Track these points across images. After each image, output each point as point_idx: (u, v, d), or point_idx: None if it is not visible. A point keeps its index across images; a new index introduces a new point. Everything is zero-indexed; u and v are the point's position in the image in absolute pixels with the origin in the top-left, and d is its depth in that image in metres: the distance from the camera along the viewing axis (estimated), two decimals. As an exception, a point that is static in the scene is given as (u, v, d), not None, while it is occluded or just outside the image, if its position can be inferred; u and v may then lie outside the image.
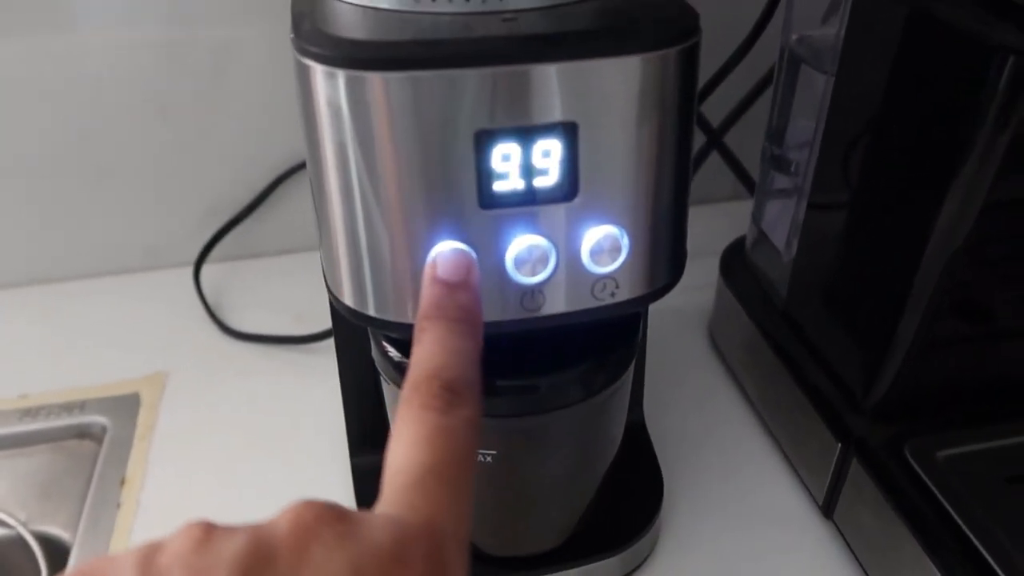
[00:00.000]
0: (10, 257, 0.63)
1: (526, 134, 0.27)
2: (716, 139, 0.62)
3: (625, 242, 0.29)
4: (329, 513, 0.20)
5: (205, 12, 0.57)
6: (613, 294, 0.30)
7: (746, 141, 0.66)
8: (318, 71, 0.26)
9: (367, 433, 0.43)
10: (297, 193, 0.65)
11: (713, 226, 0.62)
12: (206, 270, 0.64)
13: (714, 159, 0.63)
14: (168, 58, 0.58)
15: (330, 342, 0.42)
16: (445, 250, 0.28)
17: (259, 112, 0.61)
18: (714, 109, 0.60)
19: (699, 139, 0.62)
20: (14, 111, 0.58)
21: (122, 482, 0.47)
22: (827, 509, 0.44)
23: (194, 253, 0.64)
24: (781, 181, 0.50)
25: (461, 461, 0.23)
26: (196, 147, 0.62)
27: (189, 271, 0.63)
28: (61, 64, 0.56)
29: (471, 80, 0.26)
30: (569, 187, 0.28)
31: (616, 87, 0.27)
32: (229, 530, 0.20)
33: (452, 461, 0.23)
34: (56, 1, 0.54)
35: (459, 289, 0.27)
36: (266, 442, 0.50)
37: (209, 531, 0.20)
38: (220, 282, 0.64)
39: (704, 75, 0.58)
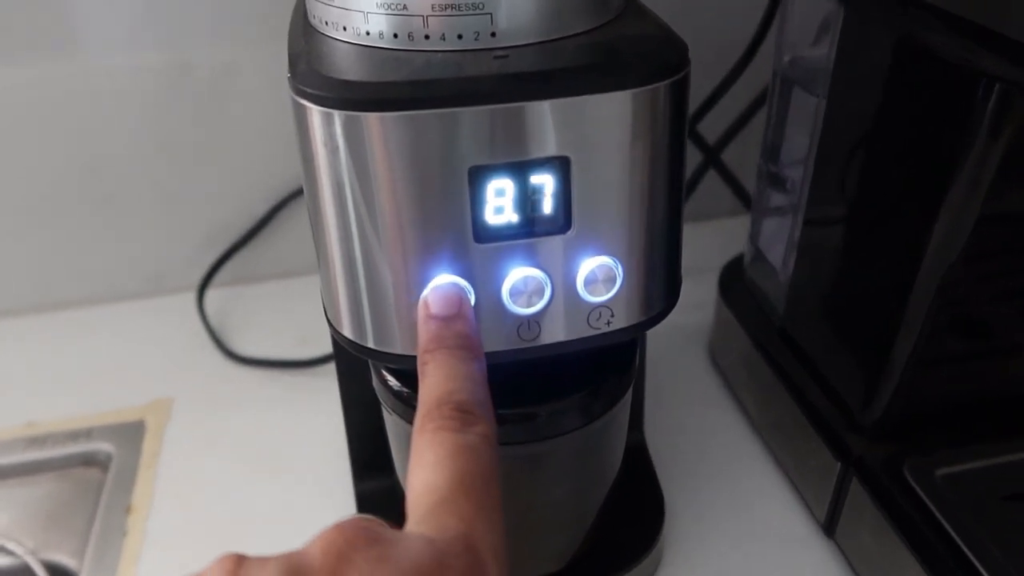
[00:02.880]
0: (14, 285, 0.64)
1: (519, 169, 0.27)
2: (713, 157, 0.63)
3: (619, 272, 0.30)
4: (362, 537, 0.20)
5: (205, 37, 0.57)
6: (609, 323, 0.31)
7: (746, 158, 0.66)
8: (314, 112, 0.27)
9: (370, 459, 0.43)
10: (299, 216, 0.65)
11: (713, 243, 0.62)
12: (210, 295, 0.64)
13: (714, 175, 0.64)
14: (169, 84, 0.58)
15: (334, 365, 0.43)
16: (435, 287, 0.28)
17: (260, 136, 0.61)
18: (712, 126, 0.61)
19: (697, 157, 0.63)
20: (17, 139, 0.58)
21: (128, 510, 0.48)
22: (829, 528, 0.44)
23: (198, 278, 0.65)
24: (777, 199, 0.50)
25: (485, 475, 0.23)
26: (198, 172, 0.62)
27: (193, 297, 0.64)
28: (63, 92, 0.57)
29: (465, 118, 0.26)
30: (563, 220, 0.28)
31: (607, 121, 0.27)
32: (261, 560, 0.20)
33: (476, 476, 0.23)
34: (58, 28, 0.55)
35: (454, 320, 0.28)
36: (271, 467, 0.50)
37: (240, 562, 0.20)
38: (224, 307, 0.64)
39: (701, 94, 0.59)
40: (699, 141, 0.62)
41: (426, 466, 0.23)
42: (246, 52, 0.58)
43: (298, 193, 0.64)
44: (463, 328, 0.27)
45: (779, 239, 0.49)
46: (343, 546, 0.20)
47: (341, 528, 0.21)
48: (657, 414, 0.52)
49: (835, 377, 0.44)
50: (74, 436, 0.53)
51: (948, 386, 0.41)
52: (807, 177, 0.44)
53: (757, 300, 0.52)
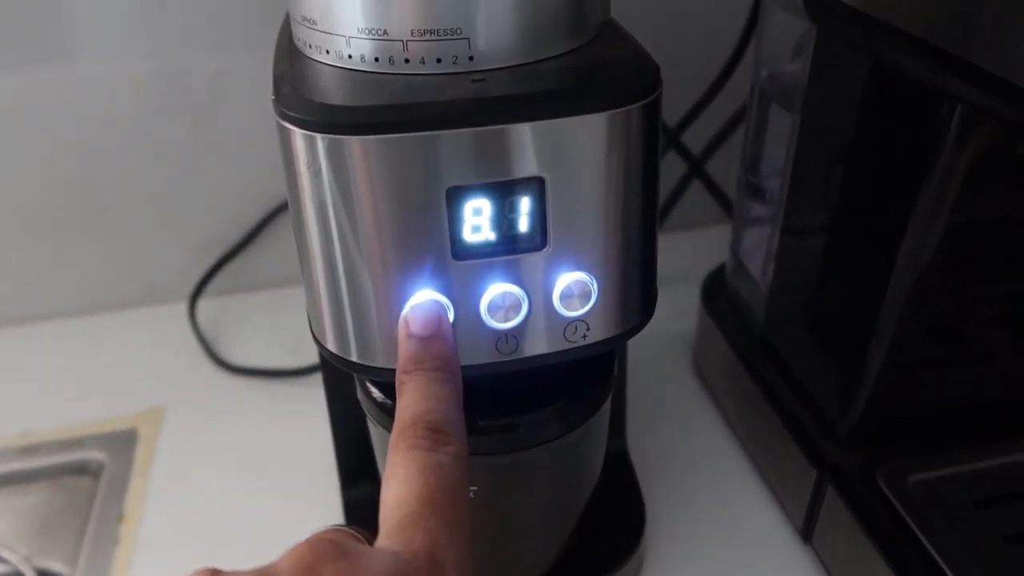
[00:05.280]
0: (6, 294, 0.64)
1: (496, 189, 0.28)
2: (697, 167, 0.64)
3: (595, 287, 0.31)
4: (330, 551, 0.21)
5: (196, 45, 0.58)
6: (585, 336, 0.32)
7: (730, 168, 0.67)
8: (297, 135, 0.28)
9: (358, 467, 0.44)
10: (290, 227, 0.65)
11: (697, 251, 0.63)
12: (201, 305, 0.65)
13: (699, 184, 0.65)
14: (162, 94, 0.59)
15: (322, 376, 0.44)
16: (416, 305, 0.29)
17: (253, 147, 0.62)
18: (697, 137, 0.62)
19: (681, 167, 0.64)
20: (9, 148, 0.59)
21: (120, 518, 0.48)
22: (806, 534, 0.45)
23: (189, 288, 0.65)
24: (757, 209, 0.51)
25: (453, 492, 0.24)
26: (190, 182, 0.63)
27: (184, 306, 0.65)
28: (57, 101, 0.57)
29: (443, 141, 0.27)
30: (539, 238, 0.29)
31: (582, 143, 0.28)
32: (234, 574, 0.21)
33: (444, 493, 0.24)
34: (51, 38, 0.55)
35: (433, 340, 0.28)
36: (262, 475, 0.51)
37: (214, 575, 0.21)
38: (215, 316, 0.65)
39: (685, 105, 0.60)
40: (683, 151, 0.63)
41: (398, 482, 0.24)
42: (239, 62, 0.59)
43: (288, 203, 0.65)
44: (441, 349, 0.28)
45: (759, 249, 0.50)
46: (312, 560, 0.21)
47: (311, 543, 0.22)
48: (639, 421, 0.53)
49: (812, 385, 0.45)
50: (66, 445, 0.54)
51: (921, 393, 0.42)
52: (784, 189, 0.45)
53: (738, 309, 0.53)
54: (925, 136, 0.33)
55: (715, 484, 0.49)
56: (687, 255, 0.62)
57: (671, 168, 0.63)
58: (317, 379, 0.57)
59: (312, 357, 0.57)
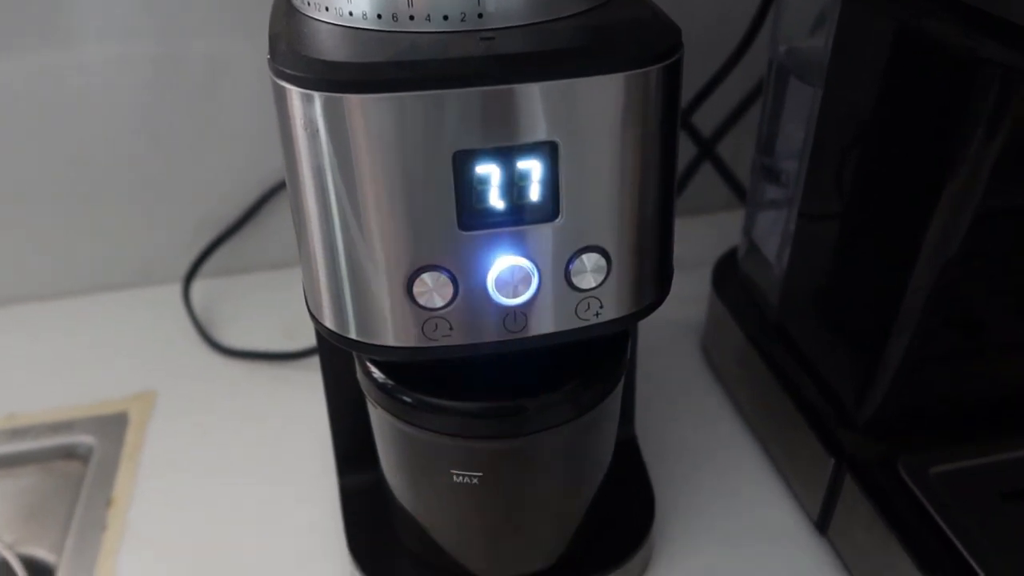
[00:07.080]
0: (-1, 275, 0.63)
1: (506, 154, 0.26)
2: (707, 149, 0.62)
3: (609, 261, 0.29)
4: None
5: (195, 27, 0.56)
6: (597, 314, 0.30)
7: (741, 151, 0.65)
8: (294, 93, 0.26)
9: (354, 452, 0.43)
10: (287, 208, 0.64)
11: (707, 236, 0.62)
12: (196, 286, 0.64)
13: (709, 168, 0.63)
14: (158, 74, 0.58)
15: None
16: None
17: (249, 127, 0.60)
18: (707, 119, 0.60)
19: (691, 150, 0.62)
20: (4, 127, 0.57)
21: (108, 504, 0.47)
22: (821, 525, 0.43)
23: (184, 269, 0.64)
24: (772, 192, 0.50)
25: None
26: (186, 162, 0.61)
27: (179, 288, 0.63)
28: (52, 81, 0.56)
29: (450, 101, 0.25)
30: (551, 207, 0.28)
31: (597, 106, 0.27)
32: None
33: None
34: (49, 18, 0.54)
35: None
36: (255, 461, 0.49)
37: None
38: (210, 298, 0.63)
39: (695, 85, 0.58)
40: (694, 133, 0.61)
41: None
42: (235, 43, 0.57)
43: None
44: None
45: (774, 232, 0.48)
46: None
47: None
48: (649, 409, 0.51)
49: (829, 373, 0.43)
50: (55, 428, 0.52)
51: (943, 383, 0.41)
52: (802, 169, 0.44)
53: (751, 294, 0.52)
54: (959, 109, 0.32)
55: (726, 473, 0.48)
56: (696, 240, 0.60)
57: (680, 151, 0.61)
58: (312, 363, 0.56)
59: (308, 340, 0.56)
